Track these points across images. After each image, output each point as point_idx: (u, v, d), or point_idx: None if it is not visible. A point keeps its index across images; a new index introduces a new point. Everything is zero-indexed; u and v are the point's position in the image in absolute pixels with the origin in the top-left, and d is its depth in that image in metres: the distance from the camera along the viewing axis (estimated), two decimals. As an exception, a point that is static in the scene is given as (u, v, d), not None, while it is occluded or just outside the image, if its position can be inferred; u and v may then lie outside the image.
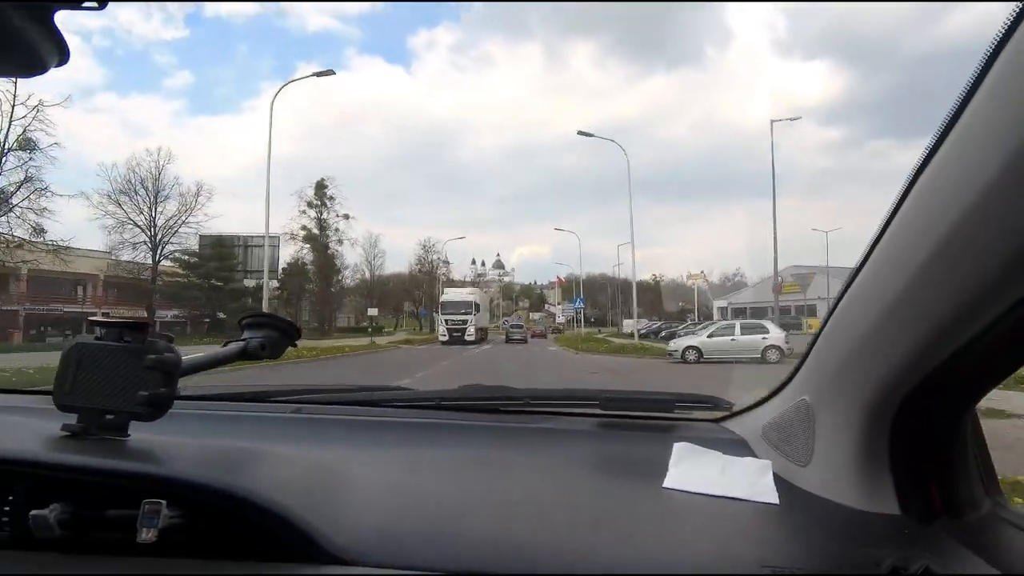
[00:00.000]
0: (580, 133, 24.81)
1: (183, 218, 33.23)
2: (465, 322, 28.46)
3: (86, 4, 0.45)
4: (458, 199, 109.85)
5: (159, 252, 32.89)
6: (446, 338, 28.12)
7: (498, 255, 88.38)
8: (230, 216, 58.30)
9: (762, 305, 31.43)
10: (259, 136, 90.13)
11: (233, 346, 0.84)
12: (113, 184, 31.69)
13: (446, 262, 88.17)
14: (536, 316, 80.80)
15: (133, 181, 31.89)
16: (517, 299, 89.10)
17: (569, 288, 67.28)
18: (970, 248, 0.47)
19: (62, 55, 0.48)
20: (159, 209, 32.72)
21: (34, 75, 0.50)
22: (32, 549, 0.60)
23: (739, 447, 0.91)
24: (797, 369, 0.82)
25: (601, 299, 76.95)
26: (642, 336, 30.37)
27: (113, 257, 31.66)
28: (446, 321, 29.01)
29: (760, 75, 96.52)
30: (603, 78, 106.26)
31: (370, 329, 34.09)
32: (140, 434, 0.73)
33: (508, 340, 32.78)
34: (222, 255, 32.63)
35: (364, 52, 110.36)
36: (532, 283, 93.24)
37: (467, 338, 27.74)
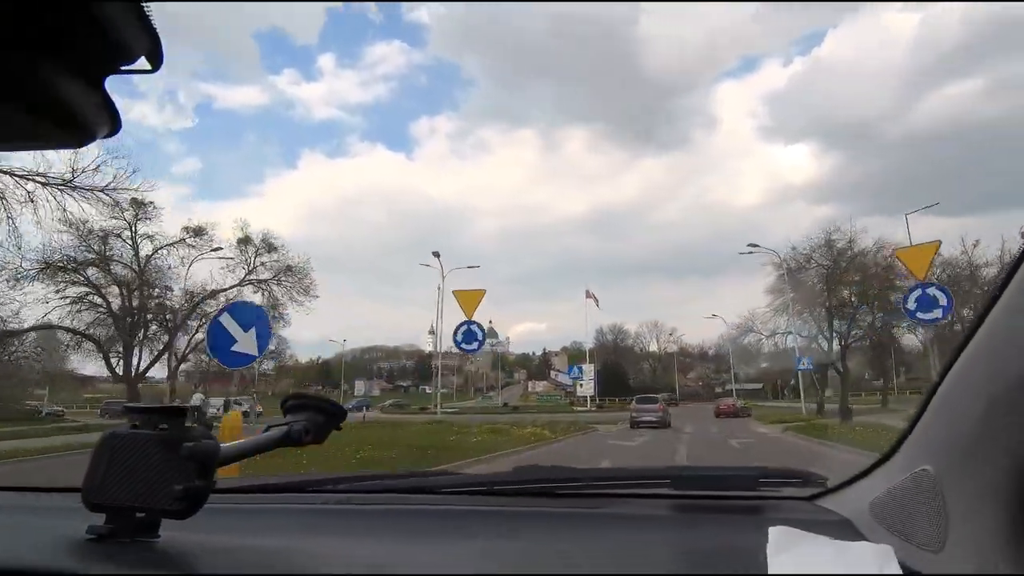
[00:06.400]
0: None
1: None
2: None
3: (138, 67, 0.43)
4: (458, 280, 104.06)
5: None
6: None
7: (490, 322, 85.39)
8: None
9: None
10: (261, 219, 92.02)
11: (275, 431, 0.79)
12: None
13: (431, 332, 77.54)
14: (540, 385, 70.50)
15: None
16: (512, 370, 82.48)
17: (580, 356, 49.41)
18: None
19: (113, 125, 0.46)
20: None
21: (83, 145, 0.48)
22: None
23: (843, 529, 0.80)
24: (908, 432, 0.74)
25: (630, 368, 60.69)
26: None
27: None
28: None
29: (748, 158, 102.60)
30: (598, 163, 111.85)
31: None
32: (172, 533, 0.69)
33: (635, 425, 22.96)
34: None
35: (366, 139, 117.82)
36: (531, 353, 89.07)
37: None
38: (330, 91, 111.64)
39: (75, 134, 0.46)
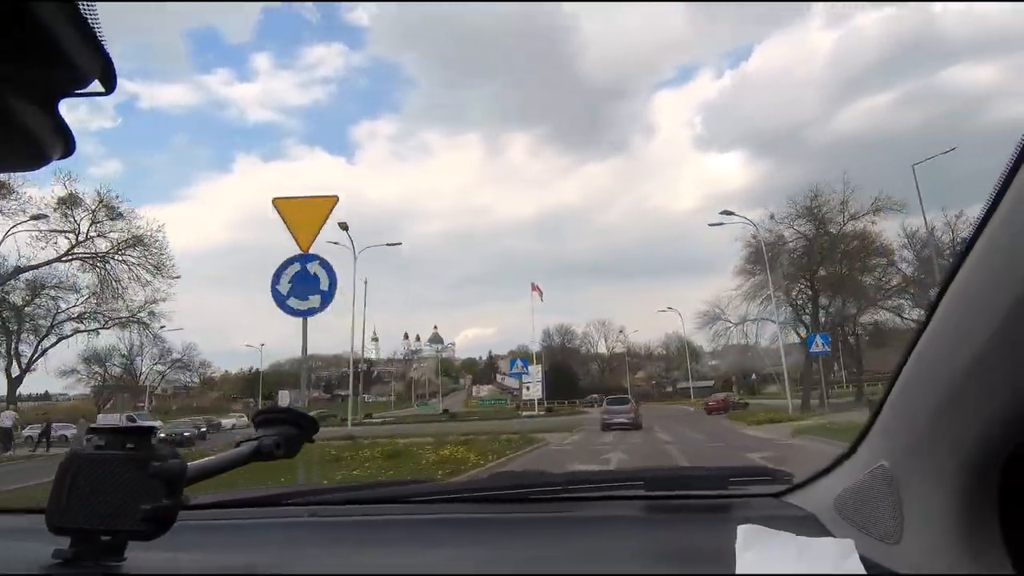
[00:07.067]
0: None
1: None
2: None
3: (92, 89, 0.42)
4: (403, 284, 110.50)
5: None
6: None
7: (435, 328, 78.68)
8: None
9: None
10: (191, 227, 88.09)
11: (245, 447, 0.78)
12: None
13: (374, 339, 76.27)
14: (485, 389, 68.24)
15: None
16: (458, 375, 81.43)
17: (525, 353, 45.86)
18: None
19: (67, 147, 0.45)
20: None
21: (38, 168, 0.47)
22: None
23: (809, 525, 0.82)
24: (866, 430, 0.77)
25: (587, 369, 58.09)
26: None
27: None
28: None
29: (685, 165, 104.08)
30: (542, 167, 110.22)
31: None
32: (139, 554, 0.67)
33: (607, 428, 21.32)
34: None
35: (305, 142, 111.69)
36: (477, 358, 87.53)
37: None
38: (265, 92, 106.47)
39: (28, 157, 0.45)
